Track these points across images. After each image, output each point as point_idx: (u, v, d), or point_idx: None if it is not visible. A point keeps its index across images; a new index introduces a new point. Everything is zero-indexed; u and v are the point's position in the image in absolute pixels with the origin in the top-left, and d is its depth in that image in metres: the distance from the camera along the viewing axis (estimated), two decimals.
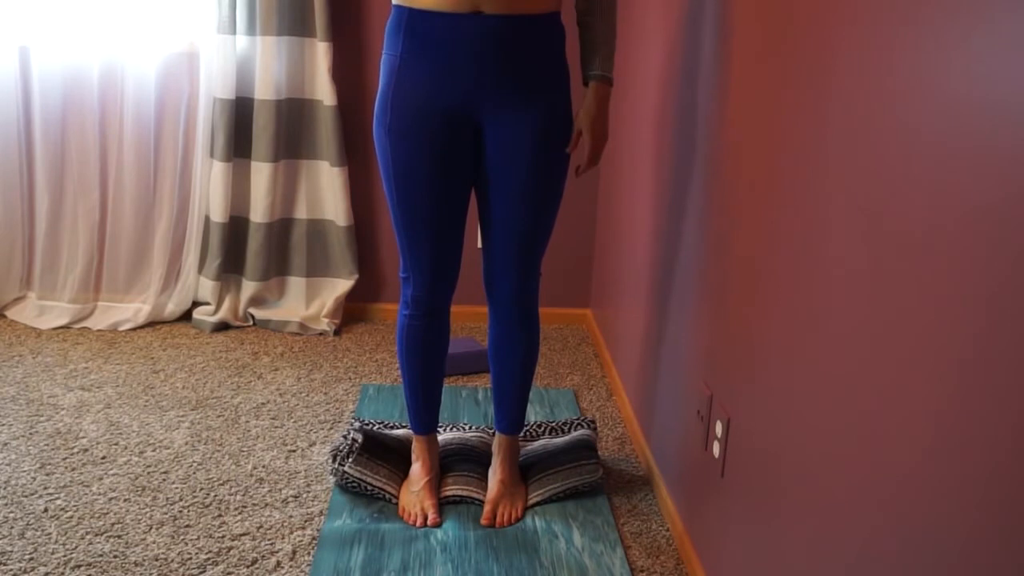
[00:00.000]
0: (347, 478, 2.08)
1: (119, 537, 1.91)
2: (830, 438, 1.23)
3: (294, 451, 2.30)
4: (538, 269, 1.98)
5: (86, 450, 2.26)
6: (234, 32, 2.97)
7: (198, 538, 1.92)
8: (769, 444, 1.47)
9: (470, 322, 3.30)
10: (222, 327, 3.15)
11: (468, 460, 2.19)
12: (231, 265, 3.19)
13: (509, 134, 1.82)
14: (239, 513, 2.02)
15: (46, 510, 1.99)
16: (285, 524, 1.98)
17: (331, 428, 2.44)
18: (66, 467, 2.17)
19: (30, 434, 2.32)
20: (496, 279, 1.97)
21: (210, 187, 3.08)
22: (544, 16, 1.78)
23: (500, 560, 1.89)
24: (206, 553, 1.86)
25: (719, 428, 1.71)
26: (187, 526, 1.96)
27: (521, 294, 1.98)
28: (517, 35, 1.75)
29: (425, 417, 2.09)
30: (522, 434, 2.25)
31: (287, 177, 3.16)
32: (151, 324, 3.15)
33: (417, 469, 2.10)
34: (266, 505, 2.05)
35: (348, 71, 3.12)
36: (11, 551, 1.84)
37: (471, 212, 2.88)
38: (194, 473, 2.18)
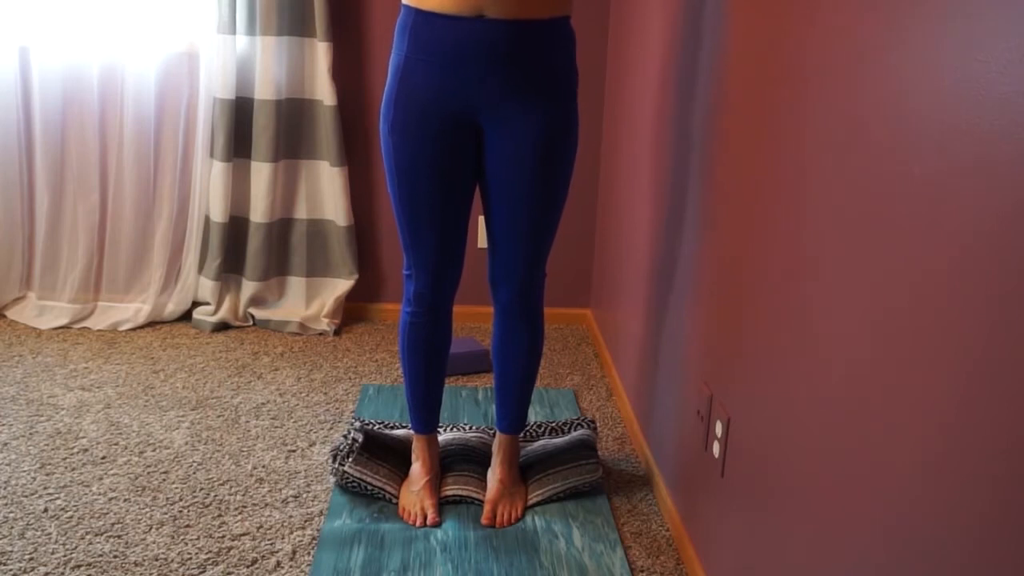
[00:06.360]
0: (347, 478, 2.08)
1: (119, 537, 1.91)
2: (830, 438, 1.23)
3: (294, 451, 2.30)
4: (543, 269, 1.98)
5: (86, 450, 2.26)
6: (234, 32, 2.97)
7: (198, 538, 1.92)
8: (769, 444, 1.47)
9: (471, 322, 3.30)
10: (222, 327, 3.15)
11: (468, 460, 2.19)
12: (231, 265, 3.19)
13: (512, 137, 1.81)
14: (239, 513, 2.02)
15: (46, 510, 1.99)
16: (285, 524, 1.98)
17: (331, 428, 2.44)
18: (66, 467, 2.17)
19: (30, 434, 2.32)
20: (501, 279, 1.97)
21: (210, 187, 3.08)
22: (550, 21, 1.77)
23: (500, 560, 1.89)
24: (206, 553, 1.86)
25: (719, 428, 1.71)
26: (187, 526, 1.96)
27: (526, 294, 1.98)
28: (521, 39, 1.74)
29: (426, 416, 2.09)
30: (522, 434, 2.25)
31: (287, 177, 3.16)
32: (151, 324, 3.15)
33: (417, 469, 2.10)
34: (266, 505, 2.05)
35: (348, 71, 3.12)
36: (11, 551, 1.84)
37: (474, 210, 2.88)
38: (194, 473, 2.18)
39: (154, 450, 2.28)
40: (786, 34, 1.44)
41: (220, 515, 2.00)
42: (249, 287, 3.17)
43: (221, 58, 2.96)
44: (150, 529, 1.94)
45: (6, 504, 2.01)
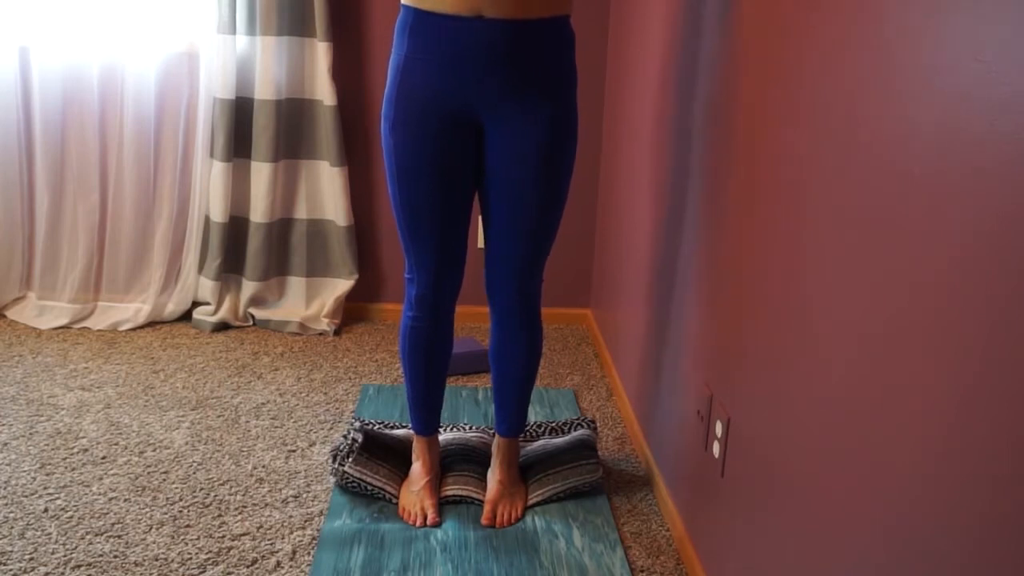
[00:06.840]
0: (347, 478, 2.08)
1: (119, 537, 1.91)
2: (830, 438, 1.23)
3: (294, 451, 2.30)
4: (541, 271, 1.98)
5: (86, 450, 2.26)
6: (234, 32, 2.97)
7: (198, 538, 1.92)
8: (769, 444, 1.47)
9: (471, 322, 3.30)
10: (222, 327, 3.15)
11: (468, 460, 2.19)
12: (231, 265, 3.19)
13: (513, 137, 1.81)
14: (239, 513, 2.02)
15: (46, 510, 1.99)
16: (285, 524, 1.98)
17: (331, 428, 2.44)
18: (66, 467, 2.17)
19: (30, 434, 2.32)
20: (499, 281, 1.97)
21: (210, 187, 3.08)
22: (550, 20, 1.77)
23: (500, 560, 1.89)
24: (206, 553, 1.86)
25: (719, 428, 1.71)
26: (187, 526, 1.96)
27: (524, 296, 1.97)
28: (520, 39, 1.74)
29: (426, 417, 2.09)
30: (522, 434, 2.25)
31: (287, 177, 3.16)
32: (151, 324, 3.15)
33: (417, 469, 2.10)
34: (266, 505, 2.05)
35: (348, 71, 3.12)
36: (11, 551, 1.84)
37: (475, 211, 2.87)
38: (194, 473, 2.17)
39: (154, 450, 2.28)
40: (786, 34, 1.44)
41: (220, 515, 2.00)
42: (249, 287, 3.17)
43: (221, 58, 2.96)
44: (150, 529, 1.94)
45: (6, 504, 2.01)
